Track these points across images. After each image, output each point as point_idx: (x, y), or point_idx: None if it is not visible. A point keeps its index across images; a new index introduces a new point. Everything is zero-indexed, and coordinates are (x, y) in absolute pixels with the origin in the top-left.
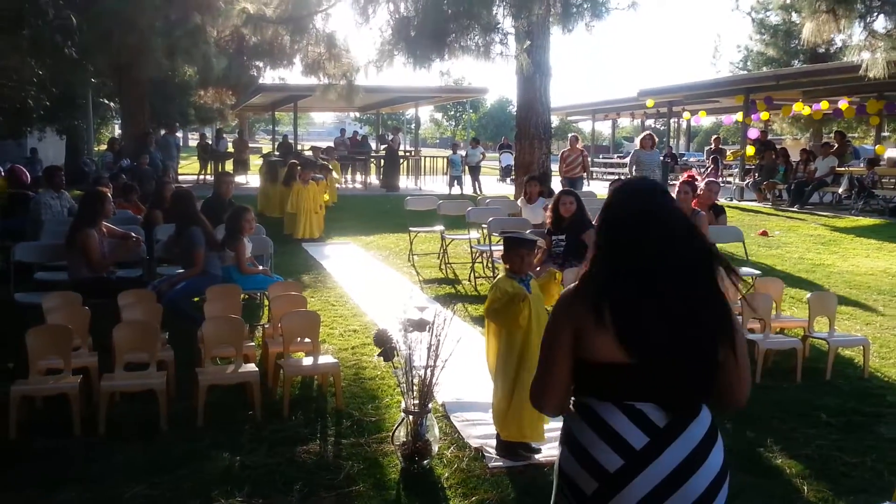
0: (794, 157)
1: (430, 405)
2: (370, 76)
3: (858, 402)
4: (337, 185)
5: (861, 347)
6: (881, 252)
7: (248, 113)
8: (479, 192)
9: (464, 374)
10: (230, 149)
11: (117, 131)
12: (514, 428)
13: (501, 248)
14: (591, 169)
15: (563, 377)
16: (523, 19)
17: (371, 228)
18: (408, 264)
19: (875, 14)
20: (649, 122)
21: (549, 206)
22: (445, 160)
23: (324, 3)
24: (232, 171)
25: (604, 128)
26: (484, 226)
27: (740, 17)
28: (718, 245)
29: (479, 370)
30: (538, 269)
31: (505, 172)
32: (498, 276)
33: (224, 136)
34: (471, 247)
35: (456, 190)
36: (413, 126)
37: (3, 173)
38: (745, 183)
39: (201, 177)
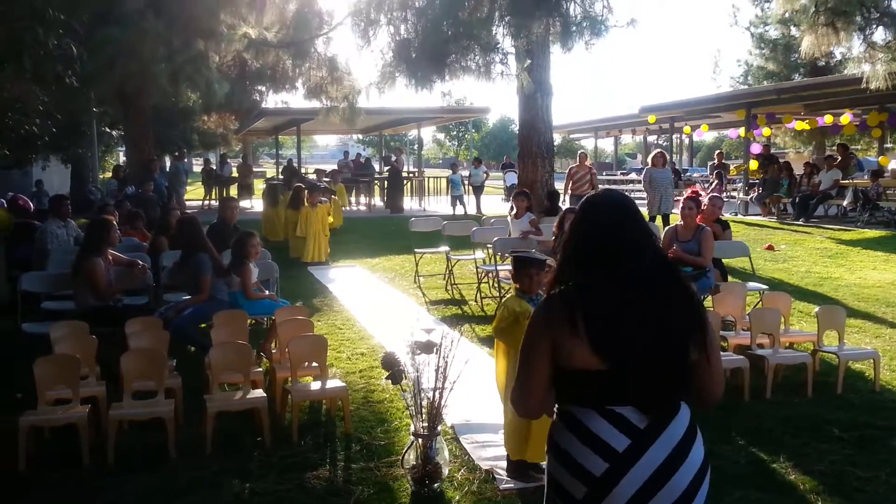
0: (798, 170)
1: (439, 428)
2: (372, 98)
3: (870, 416)
4: (343, 208)
5: (871, 360)
6: (888, 264)
7: (252, 137)
8: (479, 213)
9: (472, 395)
10: (234, 173)
11: (122, 158)
12: (524, 449)
13: (508, 267)
14: (598, 186)
15: (542, 384)
16: (523, 39)
17: (376, 250)
18: (414, 286)
19: (874, 26)
20: (651, 138)
21: (556, 224)
22: (447, 180)
23: (325, 26)
24: (236, 196)
25: (606, 145)
26: (489, 246)
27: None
28: (724, 260)
29: (487, 391)
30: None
31: (509, 192)
32: (507, 296)
33: (228, 160)
34: (476, 267)
35: (459, 210)
36: (416, 147)
37: (4, 204)
38: (750, 197)
39: (206, 202)
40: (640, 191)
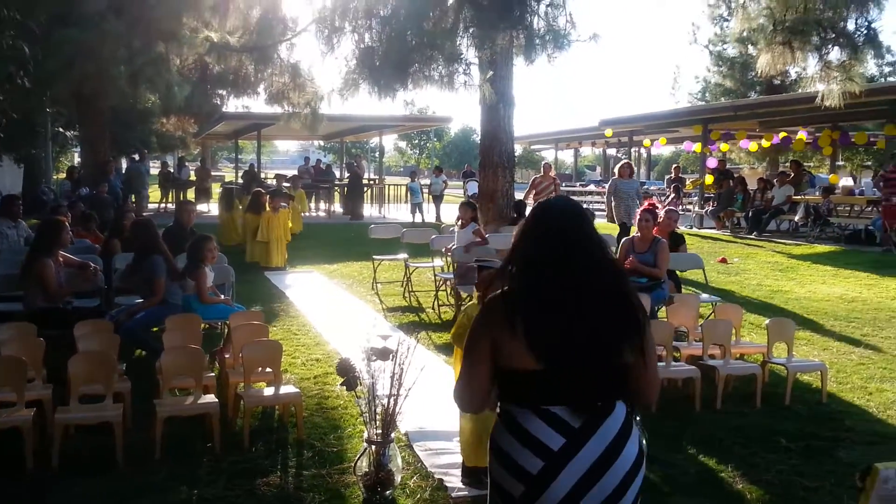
0: (752, 185)
1: (392, 435)
2: (334, 105)
3: (817, 427)
4: (303, 214)
5: (819, 373)
6: (837, 279)
7: (211, 141)
8: (438, 221)
9: (427, 402)
10: (192, 177)
11: (77, 159)
12: (480, 455)
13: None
14: None
15: (483, 380)
16: (486, 50)
17: (335, 256)
18: (371, 292)
19: (830, 46)
20: (611, 151)
21: (515, 233)
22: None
23: (288, 32)
24: (194, 200)
25: (566, 156)
26: (449, 253)
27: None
28: (679, 272)
29: (442, 399)
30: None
31: None
32: (469, 303)
33: (186, 164)
34: (434, 275)
35: (418, 218)
36: (377, 154)
37: None
38: (705, 211)
39: (162, 205)
40: (598, 202)
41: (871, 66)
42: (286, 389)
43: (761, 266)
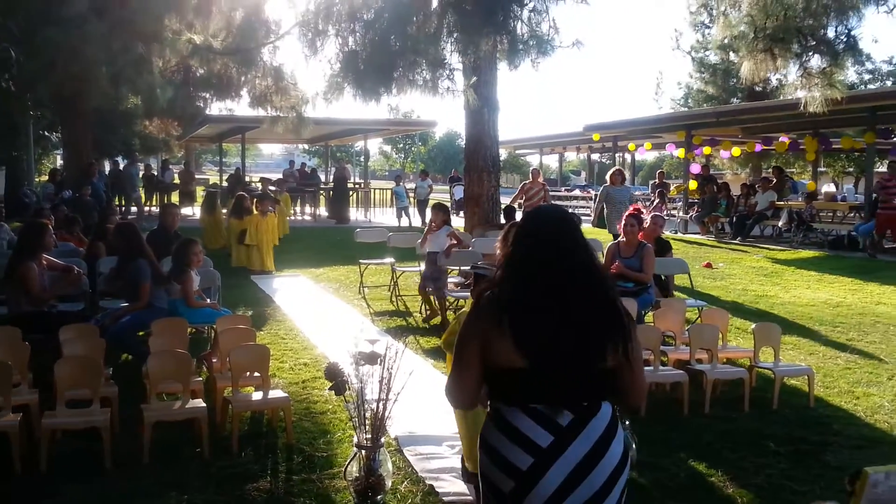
0: (736, 191)
1: (382, 439)
2: (319, 108)
3: (805, 431)
4: (288, 218)
5: (806, 377)
6: (821, 283)
7: (195, 144)
8: (424, 225)
9: (417, 407)
10: (176, 180)
11: (59, 162)
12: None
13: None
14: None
15: (474, 377)
16: (470, 55)
17: (321, 260)
18: (358, 296)
19: (810, 53)
20: (595, 156)
21: (500, 237)
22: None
23: (272, 35)
24: (178, 203)
25: (551, 161)
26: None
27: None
28: (665, 276)
29: (431, 403)
30: None
31: (458, 205)
32: (463, 309)
33: (170, 167)
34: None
35: (404, 222)
36: (362, 158)
37: None
38: (689, 216)
39: (146, 208)
40: (583, 206)
41: (851, 74)
42: (274, 394)
43: (746, 271)
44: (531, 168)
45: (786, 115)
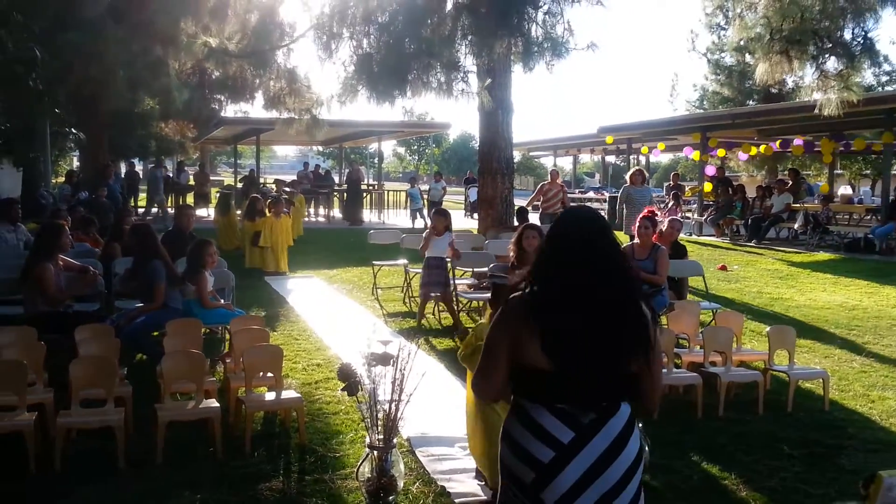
0: (751, 193)
1: (394, 440)
2: (333, 111)
3: (820, 435)
4: (302, 219)
5: (821, 380)
6: (837, 286)
7: (210, 146)
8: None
9: (429, 408)
10: (191, 181)
11: (76, 163)
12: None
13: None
14: (569, 204)
15: (501, 373)
16: (484, 58)
17: (334, 262)
18: (371, 298)
19: (827, 56)
20: (609, 158)
21: (513, 240)
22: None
23: (286, 38)
24: (193, 204)
25: (565, 163)
26: (447, 259)
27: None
28: (678, 278)
29: (444, 405)
30: None
31: (473, 207)
32: (480, 321)
33: (185, 168)
34: None
35: (419, 223)
36: (376, 160)
37: None
38: (704, 218)
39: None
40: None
41: (868, 76)
42: (287, 394)
43: (761, 274)
44: (550, 169)
45: (802, 118)
